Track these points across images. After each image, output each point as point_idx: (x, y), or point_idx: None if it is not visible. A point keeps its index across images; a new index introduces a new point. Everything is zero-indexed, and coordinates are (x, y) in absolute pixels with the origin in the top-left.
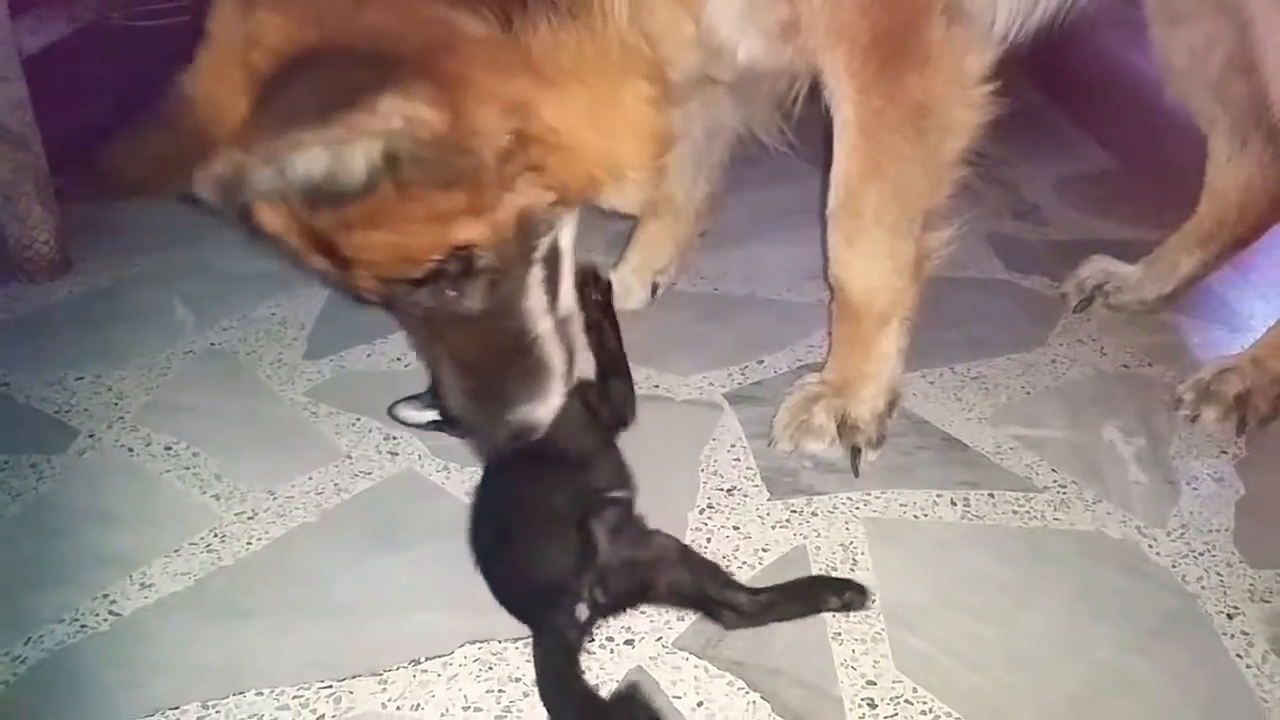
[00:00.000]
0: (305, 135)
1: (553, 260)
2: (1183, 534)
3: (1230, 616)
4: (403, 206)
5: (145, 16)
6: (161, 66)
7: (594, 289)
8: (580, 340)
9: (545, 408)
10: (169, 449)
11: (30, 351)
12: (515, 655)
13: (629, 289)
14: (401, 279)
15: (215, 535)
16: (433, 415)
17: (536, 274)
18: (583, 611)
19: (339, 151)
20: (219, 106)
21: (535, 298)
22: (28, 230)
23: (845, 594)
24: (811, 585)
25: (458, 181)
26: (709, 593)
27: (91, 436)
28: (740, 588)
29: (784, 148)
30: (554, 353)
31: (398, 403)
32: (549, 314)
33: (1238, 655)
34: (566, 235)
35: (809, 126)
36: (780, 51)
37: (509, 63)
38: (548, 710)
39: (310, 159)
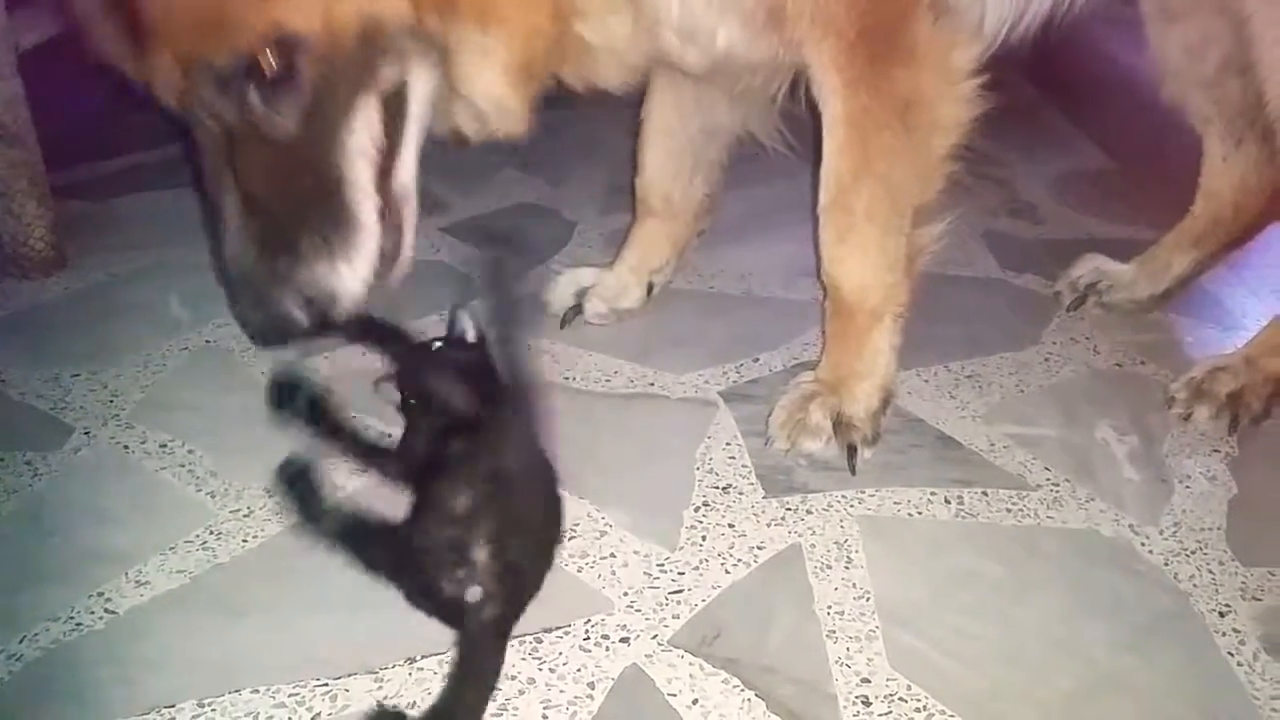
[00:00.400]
0: None
1: (396, 108)
2: (1175, 532)
3: (1222, 614)
4: None
5: None
6: None
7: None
8: (411, 223)
9: (349, 276)
10: (164, 446)
11: (25, 348)
12: (511, 653)
13: (625, 288)
14: (207, 69)
15: (211, 533)
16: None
17: (371, 111)
18: None
19: None
20: None
21: (361, 139)
22: (23, 227)
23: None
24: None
25: None
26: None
27: (87, 434)
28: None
29: (782, 148)
30: (369, 214)
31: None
32: (368, 164)
33: (1229, 653)
34: (420, 90)
35: (805, 124)
36: (764, 42)
37: None
38: None
39: None
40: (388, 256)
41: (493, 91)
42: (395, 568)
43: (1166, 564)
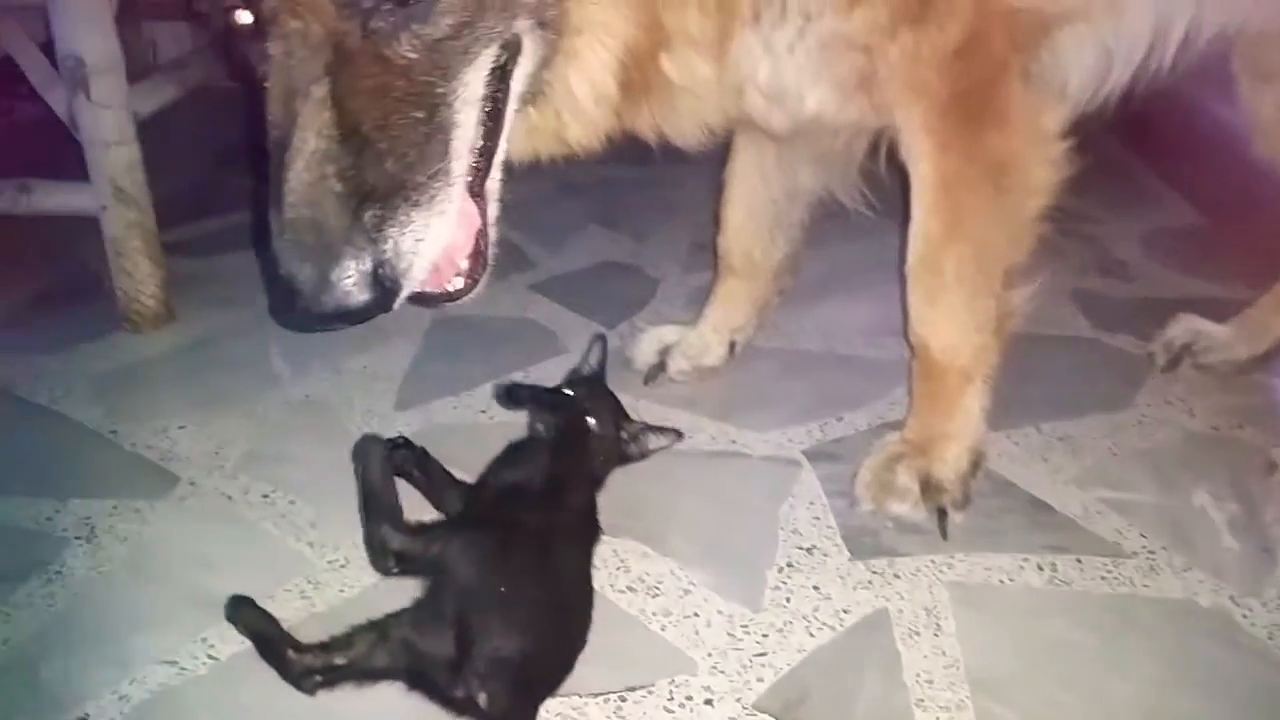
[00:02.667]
0: None
1: (500, 96)
2: (1279, 604)
3: None
4: None
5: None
6: (259, 124)
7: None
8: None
9: (426, 242)
10: (266, 497)
11: (135, 400)
12: (596, 711)
13: (707, 346)
14: None
15: (309, 582)
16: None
17: (488, 66)
18: None
19: None
20: None
21: (476, 89)
22: (135, 284)
23: None
24: None
25: None
26: None
27: (192, 484)
28: None
29: (864, 208)
30: (460, 173)
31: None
32: (471, 129)
33: None
34: (520, 72)
35: (885, 183)
36: (853, 105)
37: None
38: None
39: None
40: (474, 252)
41: (596, 77)
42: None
43: (1270, 638)
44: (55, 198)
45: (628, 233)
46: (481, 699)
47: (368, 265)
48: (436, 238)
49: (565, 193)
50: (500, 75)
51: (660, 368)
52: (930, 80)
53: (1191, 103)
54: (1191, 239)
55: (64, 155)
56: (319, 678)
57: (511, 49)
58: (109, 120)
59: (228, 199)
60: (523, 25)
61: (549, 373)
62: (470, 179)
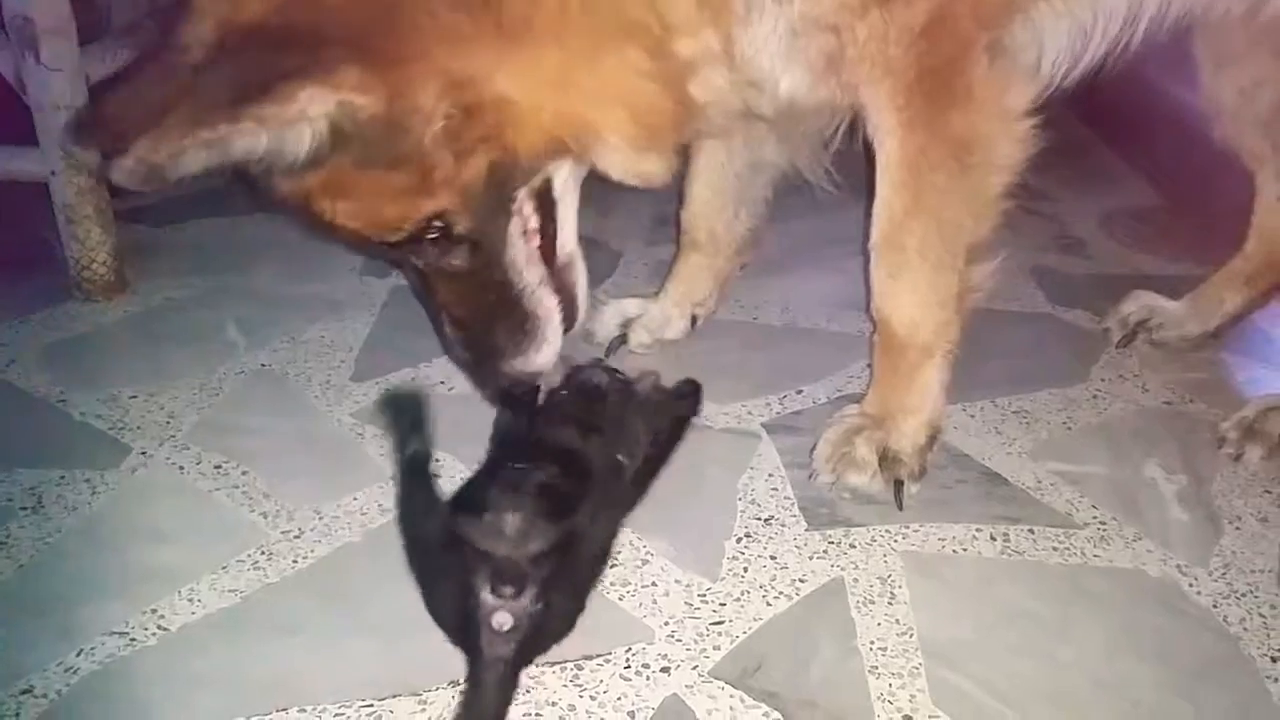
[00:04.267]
0: (210, 129)
1: (547, 196)
2: (1225, 574)
3: (1274, 660)
4: (361, 180)
5: None
6: None
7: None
8: (582, 282)
9: (539, 356)
10: (219, 467)
11: (86, 369)
12: (552, 679)
13: (669, 319)
14: (383, 242)
15: (262, 553)
16: None
17: (516, 226)
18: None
19: (278, 131)
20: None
21: (517, 249)
22: (86, 251)
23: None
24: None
25: (404, 159)
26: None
27: (144, 454)
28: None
29: (827, 184)
30: (543, 302)
31: None
32: (533, 264)
33: None
34: (561, 178)
35: (848, 159)
36: (823, 86)
37: (467, 31)
38: None
39: (247, 139)
40: (566, 316)
41: (628, 171)
42: (433, 552)
43: (1215, 606)
44: (2, 162)
45: (591, 206)
46: (500, 619)
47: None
48: (545, 353)
49: None
50: (545, 196)
51: (621, 340)
52: (897, 59)
53: (1152, 85)
54: (1149, 218)
55: (12, 119)
56: None
57: (542, 183)
58: (59, 83)
59: None
60: (527, 187)
61: None
62: (550, 281)
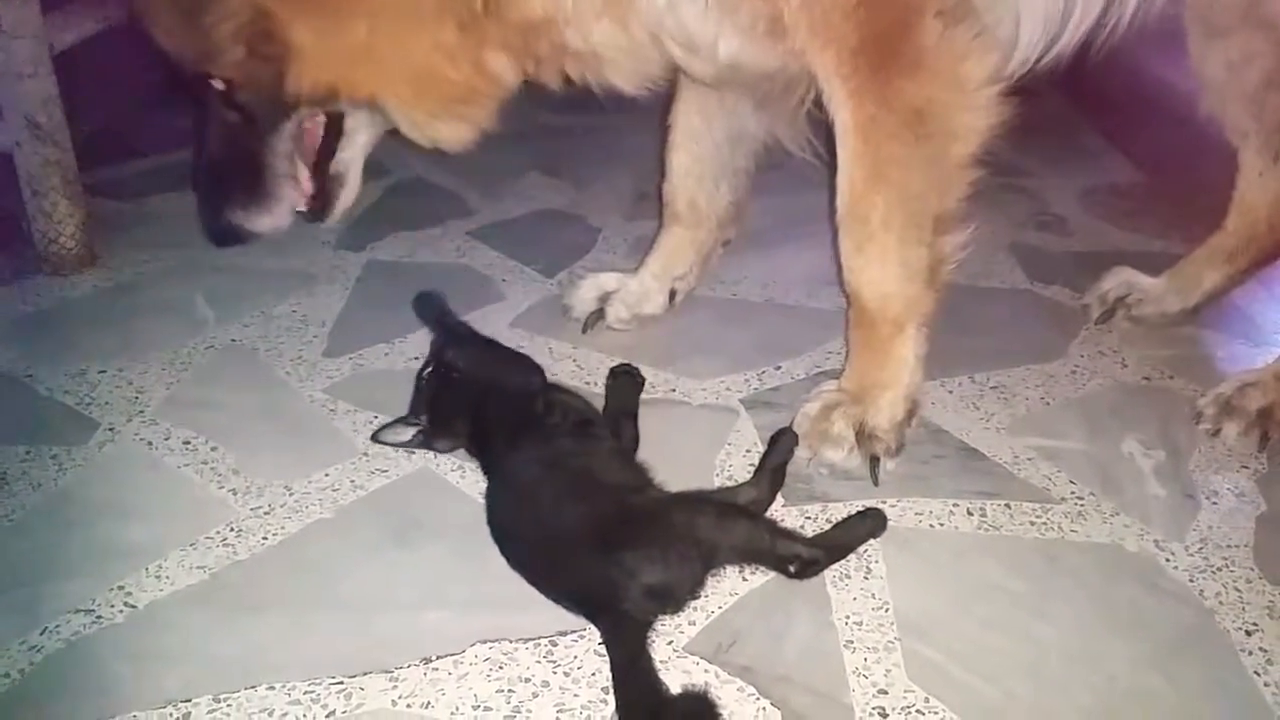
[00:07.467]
0: None
1: (338, 120)
2: (1201, 549)
3: (1249, 633)
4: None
5: None
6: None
7: (630, 381)
8: (346, 195)
9: (258, 220)
10: (187, 443)
11: (53, 344)
12: (526, 655)
13: (647, 294)
14: (187, 69)
15: (231, 530)
16: (412, 433)
17: (290, 127)
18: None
19: None
20: None
21: (282, 140)
22: (54, 224)
23: (869, 522)
24: (848, 522)
25: (206, 25)
26: (765, 546)
27: (111, 430)
28: (794, 537)
29: (810, 156)
30: (281, 186)
31: (380, 429)
32: (291, 159)
33: (1256, 673)
34: (353, 120)
35: (832, 131)
36: (769, 51)
37: None
38: (618, 701)
39: None
40: (321, 210)
41: (418, 135)
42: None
43: (1191, 580)
44: None
45: (569, 180)
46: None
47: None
48: (260, 221)
49: (506, 140)
50: (336, 119)
51: (599, 315)
52: (836, 25)
53: (1134, 61)
54: (1129, 195)
55: None
56: None
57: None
58: (22, 51)
59: (154, 139)
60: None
61: (486, 319)
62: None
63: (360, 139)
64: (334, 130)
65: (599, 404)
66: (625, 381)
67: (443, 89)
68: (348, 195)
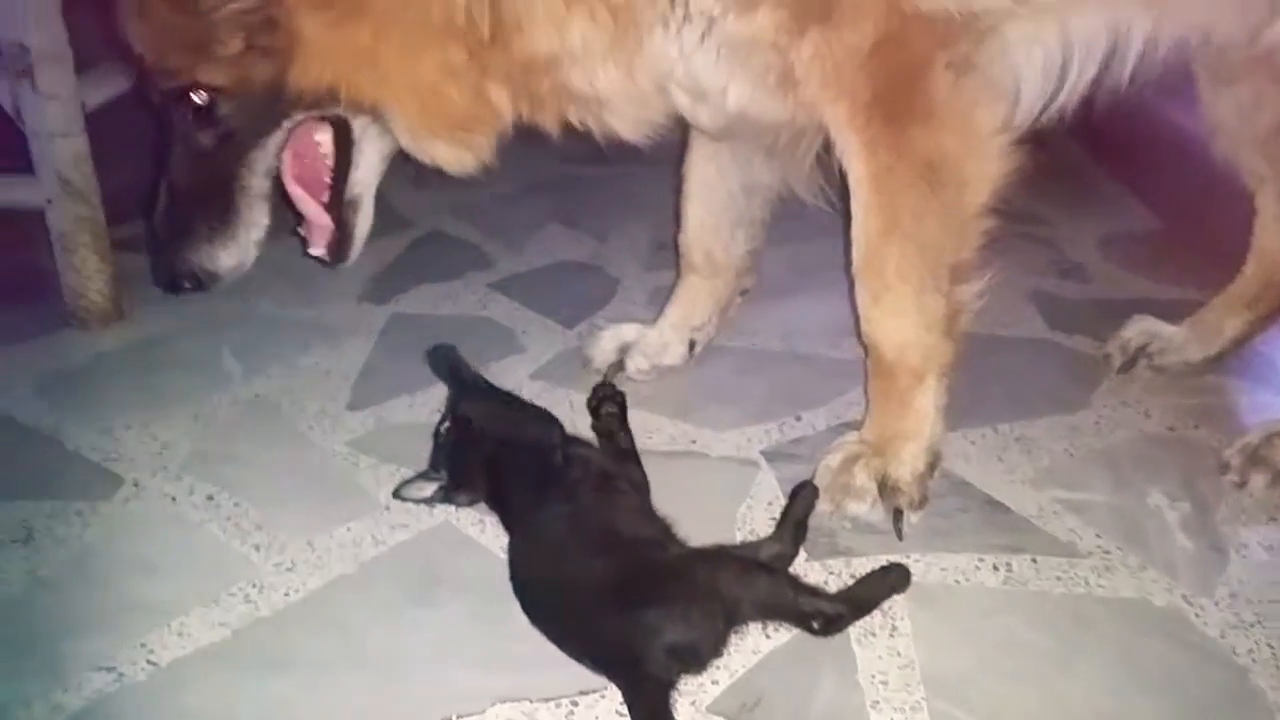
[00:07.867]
0: None
1: (343, 139)
2: (1231, 603)
3: None
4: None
5: None
6: None
7: (611, 403)
8: (363, 225)
9: (223, 256)
10: (211, 499)
11: (81, 399)
12: (546, 715)
13: (667, 345)
14: (163, 83)
15: (254, 586)
16: (434, 488)
17: (278, 139)
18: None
19: None
20: None
21: (266, 156)
22: (83, 280)
23: (893, 577)
24: (872, 577)
25: (199, 16)
26: (789, 602)
27: (136, 485)
28: (818, 593)
29: (824, 205)
30: (255, 211)
31: (402, 485)
32: (266, 178)
33: None
34: (361, 122)
35: (844, 179)
36: (778, 102)
37: None
38: None
39: None
40: (340, 250)
41: (415, 150)
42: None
43: (1222, 636)
44: None
45: (589, 232)
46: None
47: (181, 272)
48: (230, 257)
49: (526, 192)
50: (343, 135)
51: (619, 366)
52: (849, 78)
53: (1148, 108)
54: (1148, 242)
55: (9, 146)
56: None
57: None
58: (55, 111)
59: None
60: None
61: (507, 371)
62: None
63: (370, 156)
64: (344, 144)
65: None
66: (608, 411)
67: (446, 109)
68: (364, 224)
